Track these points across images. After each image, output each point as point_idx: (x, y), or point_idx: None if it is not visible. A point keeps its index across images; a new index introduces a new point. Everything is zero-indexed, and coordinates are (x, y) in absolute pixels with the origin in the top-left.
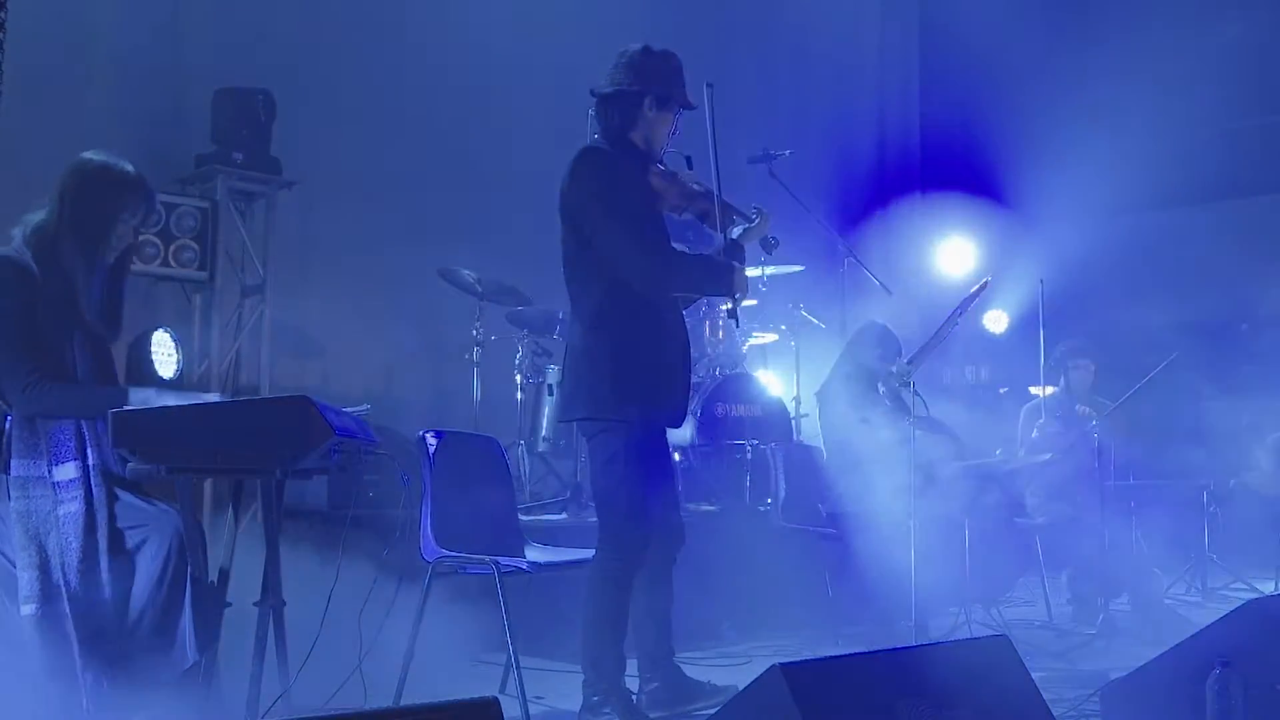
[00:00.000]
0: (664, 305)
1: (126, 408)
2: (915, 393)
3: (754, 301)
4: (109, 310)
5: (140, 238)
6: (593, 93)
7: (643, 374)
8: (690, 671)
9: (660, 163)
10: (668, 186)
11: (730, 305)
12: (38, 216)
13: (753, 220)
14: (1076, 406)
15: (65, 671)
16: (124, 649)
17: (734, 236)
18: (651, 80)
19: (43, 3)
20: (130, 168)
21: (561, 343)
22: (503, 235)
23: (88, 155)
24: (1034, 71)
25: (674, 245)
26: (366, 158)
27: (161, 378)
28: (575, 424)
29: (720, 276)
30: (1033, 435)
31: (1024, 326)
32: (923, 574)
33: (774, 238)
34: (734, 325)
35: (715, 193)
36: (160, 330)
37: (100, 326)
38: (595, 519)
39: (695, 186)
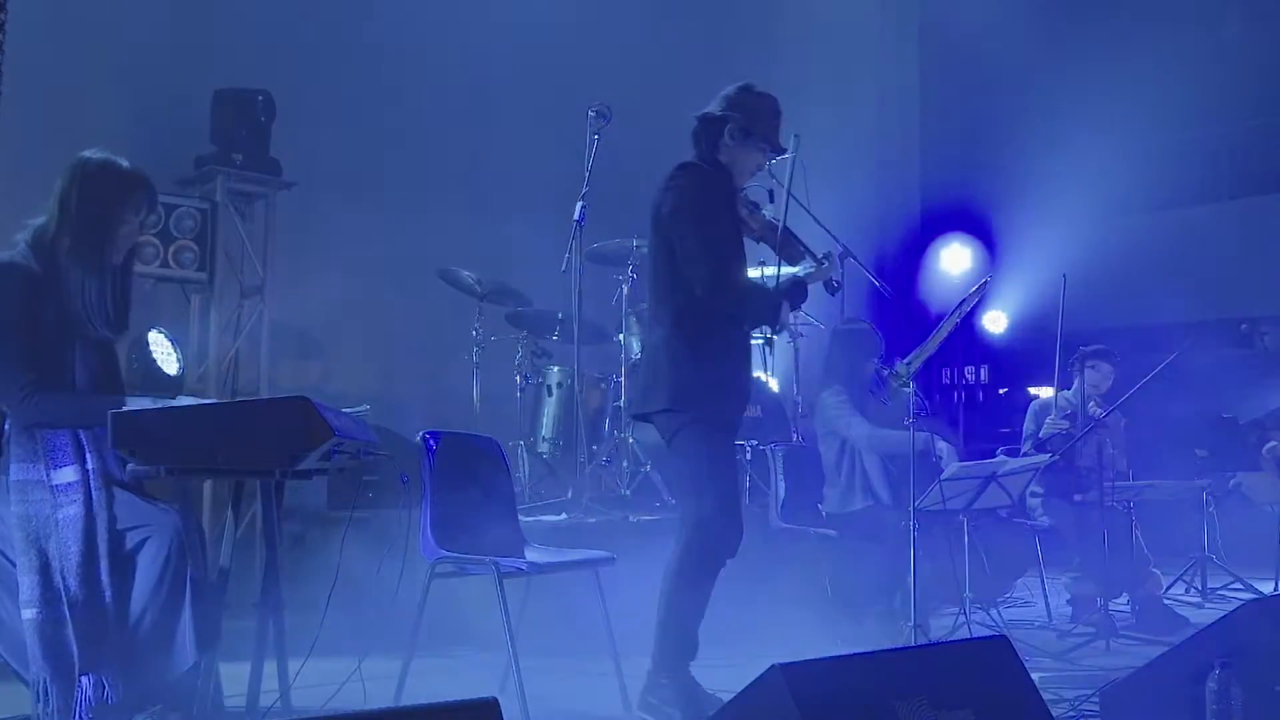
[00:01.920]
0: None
1: (127, 410)
2: (916, 393)
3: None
4: (116, 309)
5: (143, 235)
6: (696, 116)
7: (720, 374)
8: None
9: (744, 192)
10: (750, 215)
11: (771, 335)
12: (39, 220)
13: (821, 263)
14: (1090, 406)
15: (64, 675)
16: (124, 651)
17: (800, 275)
18: (737, 110)
19: (43, 3)
20: (128, 164)
21: (560, 343)
22: (502, 236)
23: (86, 155)
24: (1034, 71)
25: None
26: (366, 159)
27: (167, 374)
28: (654, 419)
29: (770, 313)
30: (1041, 434)
31: (1023, 327)
32: (923, 573)
33: (837, 281)
34: (766, 351)
35: (785, 228)
36: (154, 330)
37: (106, 327)
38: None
39: (774, 220)
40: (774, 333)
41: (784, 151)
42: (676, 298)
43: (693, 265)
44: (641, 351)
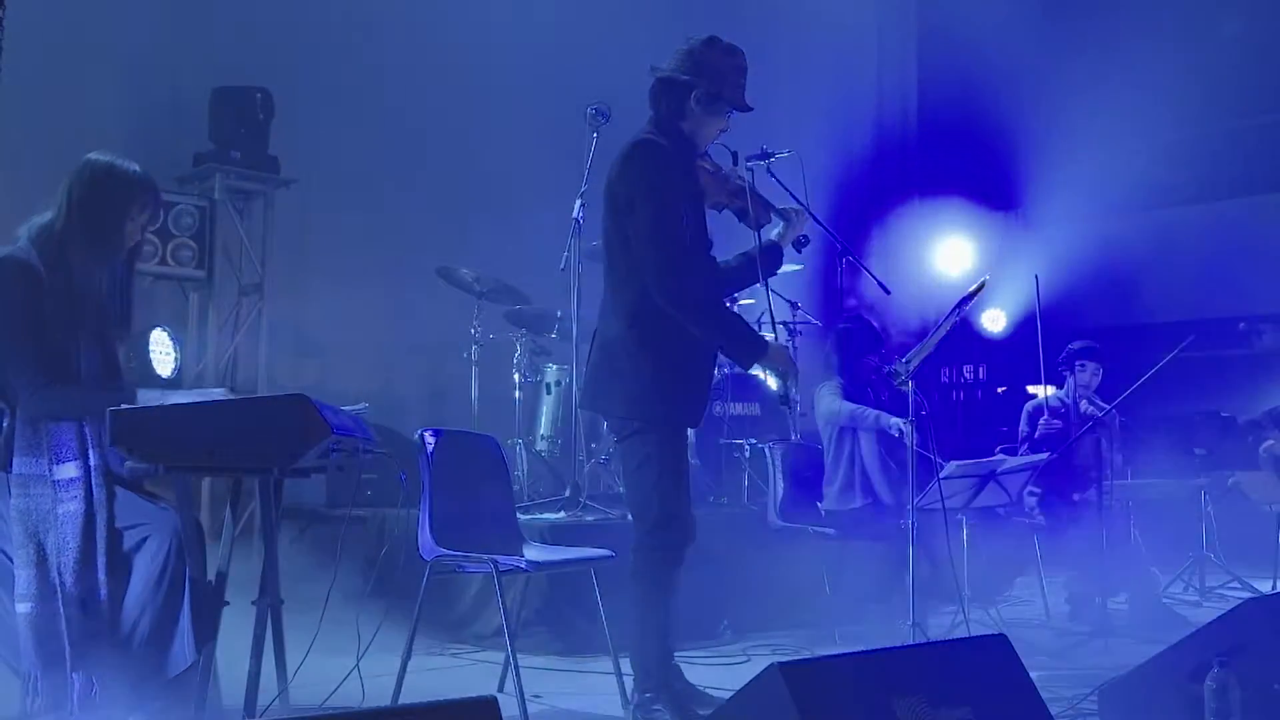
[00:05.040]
0: None
1: (128, 406)
2: (914, 392)
3: (751, 300)
4: (121, 308)
5: (145, 236)
6: (652, 70)
7: (680, 374)
8: (688, 671)
9: (706, 155)
10: (711, 181)
11: (782, 393)
12: (44, 218)
13: (789, 220)
14: (1082, 405)
15: (56, 672)
16: (120, 650)
17: (771, 238)
18: (704, 74)
19: (42, 2)
20: (136, 167)
21: (559, 341)
22: (501, 234)
23: (93, 156)
24: (1033, 68)
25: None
26: (365, 156)
27: (159, 376)
28: (605, 420)
29: (745, 346)
30: (1035, 435)
31: (1022, 326)
32: (921, 572)
33: (805, 236)
34: (786, 410)
35: (753, 190)
36: (158, 329)
37: (111, 325)
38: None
39: (738, 182)
40: (787, 388)
41: (750, 110)
42: (631, 290)
43: (648, 267)
44: (594, 341)
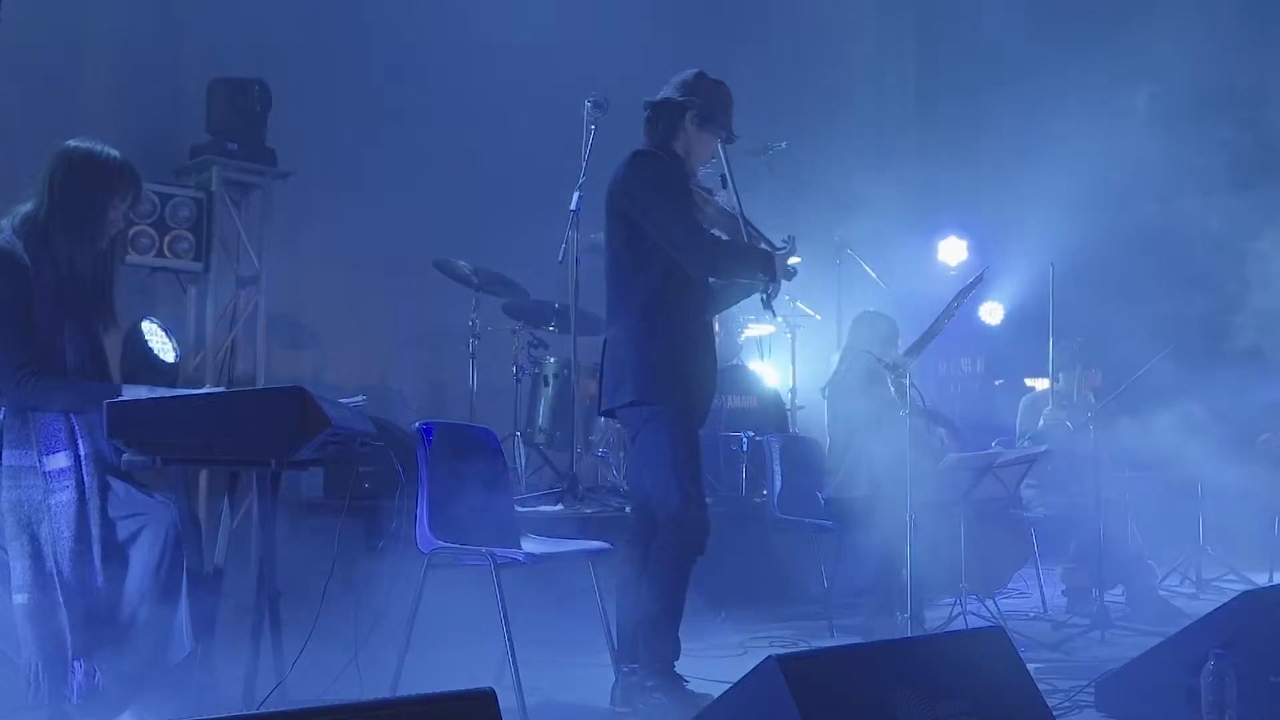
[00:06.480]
0: (701, 307)
1: (120, 399)
2: (912, 385)
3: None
4: (101, 296)
5: (132, 226)
6: (646, 104)
7: (690, 360)
8: (686, 664)
9: (698, 181)
10: (705, 200)
11: (764, 296)
12: (26, 207)
13: (780, 248)
14: (1091, 396)
15: (57, 661)
16: (118, 640)
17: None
18: (696, 96)
19: None
20: (116, 154)
21: (557, 334)
22: (499, 227)
23: (73, 143)
24: (1032, 60)
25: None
26: (362, 148)
27: (164, 361)
28: (619, 413)
29: (766, 261)
30: (1039, 425)
31: (1020, 318)
32: (919, 564)
33: (793, 268)
34: (770, 315)
35: (745, 217)
36: (147, 320)
37: (92, 313)
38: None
39: (728, 209)
40: (772, 293)
41: (738, 138)
42: (640, 285)
43: (680, 241)
44: (605, 345)
